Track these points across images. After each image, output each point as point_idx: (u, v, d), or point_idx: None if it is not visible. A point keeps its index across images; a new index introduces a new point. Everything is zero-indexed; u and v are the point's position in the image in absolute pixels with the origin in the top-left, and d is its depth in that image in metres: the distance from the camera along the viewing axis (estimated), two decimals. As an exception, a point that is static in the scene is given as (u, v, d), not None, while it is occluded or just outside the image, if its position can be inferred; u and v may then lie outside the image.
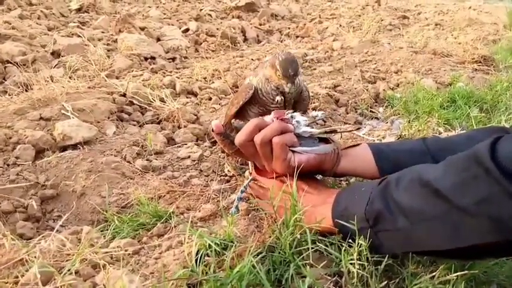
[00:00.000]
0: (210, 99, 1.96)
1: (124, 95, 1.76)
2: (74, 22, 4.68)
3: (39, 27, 3.57)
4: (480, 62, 3.45)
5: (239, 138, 0.88)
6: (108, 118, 1.57)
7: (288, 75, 0.94)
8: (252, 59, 2.84)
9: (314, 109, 1.82)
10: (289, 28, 4.61)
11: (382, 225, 0.71)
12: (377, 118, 1.97)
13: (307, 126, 0.92)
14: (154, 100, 1.72)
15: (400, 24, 7.45)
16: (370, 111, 2.04)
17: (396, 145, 0.97)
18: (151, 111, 1.71)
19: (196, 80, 2.26)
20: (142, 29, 3.53)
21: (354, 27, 4.80)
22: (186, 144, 1.46)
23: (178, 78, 2.29)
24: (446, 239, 0.65)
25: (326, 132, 0.92)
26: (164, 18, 4.68)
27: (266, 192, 0.94)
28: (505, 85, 2.76)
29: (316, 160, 0.89)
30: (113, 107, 1.62)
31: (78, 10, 5.88)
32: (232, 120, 1.03)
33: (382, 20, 7.11)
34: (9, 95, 1.76)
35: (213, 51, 3.23)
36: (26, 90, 1.96)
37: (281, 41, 4.17)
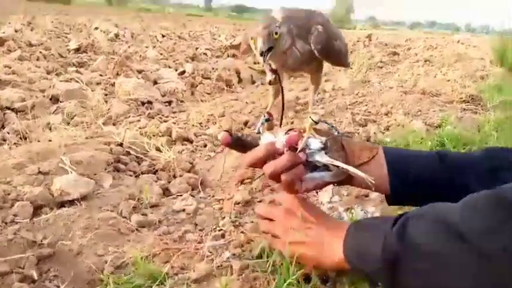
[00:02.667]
0: (205, 146, 2.01)
1: (121, 144, 1.80)
2: (73, 65, 4.80)
3: (38, 70, 3.66)
4: (468, 102, 3.55)
5: (247, 161, 0.86)
6: (105, 169, 1.60)
7: (258, 31, 0.75)
8: (247, 102, 2.91)
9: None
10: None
11: (401, 268, 0.69)
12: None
13: (322, 151, 0.86)
14: (151, 149, 1.76)
15: (391, 60, 7.67)
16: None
17: (413, 159, 0.92)
18: (147, 160, 1.74)
19: (192, 125, 2.32)
20: (139, 71, 3.63)
21: (345, 66, 4.93)
22: (181, 195, 1.48)
23: (175, 123, 2.35)
24: (469, 285, 0.63)
25: (338, 167, 0.86)
26: (161, 59, 4.81)
27: (273, 225, 0.96)
28: (492, 126, 2.84)
29: (325, 184, 0.89)
30: (109, 158, 1.65)
31: (77, 50, 6.03)
32: (240, 134, 0.99)
33: (372, 57, 7.32)
34: (7, 145, 1.79)
35: (208, 94, 3.32)
36: (25, 138, 2.01)
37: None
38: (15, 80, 2.85)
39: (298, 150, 0.84)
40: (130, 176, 1.65)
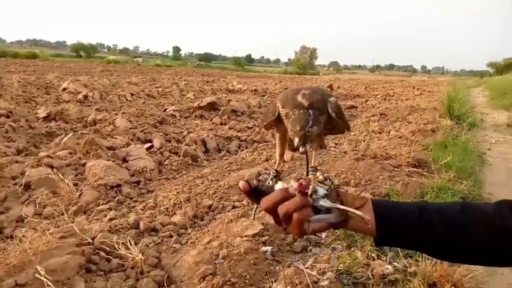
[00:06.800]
0: (171, 236, 2.19)
1: (91, 242, 1.95)
2: (43, 136, 4.93)
3: (8, 151, 3.77)
4: (415, 166, 3.91)
5: (264, 205, 0.94)
6: (78, 273, 1.75)
7: (295, 130, 0.90)
8: (211, 180, 3.13)
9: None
10: (247, 136, 5.00)
11: None
12: (320, 244, 2.24)
13: (325, 197, 1.05)
14: (120, 248, 1.92)
15: (349, 115, 8.16)
16: (315, 234, 2.31)
17: (396, 210, 1.12)
18: (117, 258, 1.90)
19: (159, 211, 2.49)
20: (108, 148, 3.80)
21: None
22: (149, 295, 1.65)
23: (142, 210, 2.53)
24: None
25: (338, 210, 1.08)
26: (130, 128, 4.99)
27: None
28: (434, 192, 3.18)
29: (328, 226, 1.09)
30: (81, 261, 1.81)
31: (46, 118, 6.16)
32: (257, 183, 1.16)
33: (332, 114, 7.78)
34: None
35: (175, 170, 3.52)
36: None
37: (239, 149, 4.55)
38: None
39: (309, 194, 1.05)
40: (101, 275, 1.81)
